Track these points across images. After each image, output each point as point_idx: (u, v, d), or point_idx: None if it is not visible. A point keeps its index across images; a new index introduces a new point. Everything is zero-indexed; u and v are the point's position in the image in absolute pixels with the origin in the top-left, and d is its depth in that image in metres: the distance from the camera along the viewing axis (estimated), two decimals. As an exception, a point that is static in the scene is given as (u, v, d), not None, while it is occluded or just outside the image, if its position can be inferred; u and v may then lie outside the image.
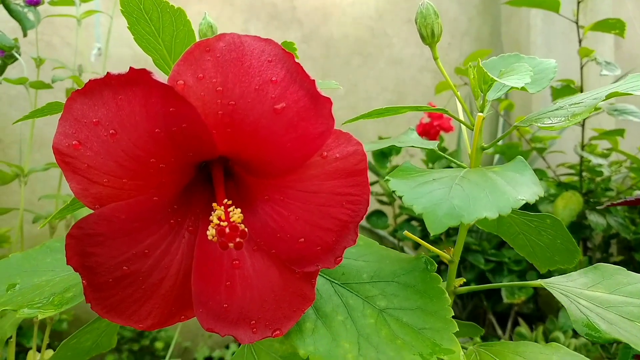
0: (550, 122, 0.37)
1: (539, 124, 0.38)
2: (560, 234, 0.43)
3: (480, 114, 0.40)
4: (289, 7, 1.61)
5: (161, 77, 0.24)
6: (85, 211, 0.26)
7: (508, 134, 0.44)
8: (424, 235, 1.22)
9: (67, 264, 0.25)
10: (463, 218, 0.28)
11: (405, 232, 0.40)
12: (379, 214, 1.34)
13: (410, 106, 0.40)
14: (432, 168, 1.33)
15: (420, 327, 0.29)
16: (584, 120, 1.12)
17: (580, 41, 1.13)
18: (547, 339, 0.93)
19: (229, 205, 0.26)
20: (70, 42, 1.31)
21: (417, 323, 0.29)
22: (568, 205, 0.97)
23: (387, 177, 0.32)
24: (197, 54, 0.24)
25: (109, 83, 0.23)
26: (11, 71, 0.81)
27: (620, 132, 1.15)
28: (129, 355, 1.21)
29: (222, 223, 0.25)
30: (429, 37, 0.41)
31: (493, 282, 1.15)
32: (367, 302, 0.31)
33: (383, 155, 1.31)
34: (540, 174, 1.23)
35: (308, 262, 0.28)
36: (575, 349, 0.86)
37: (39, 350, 0.61)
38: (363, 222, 1.11)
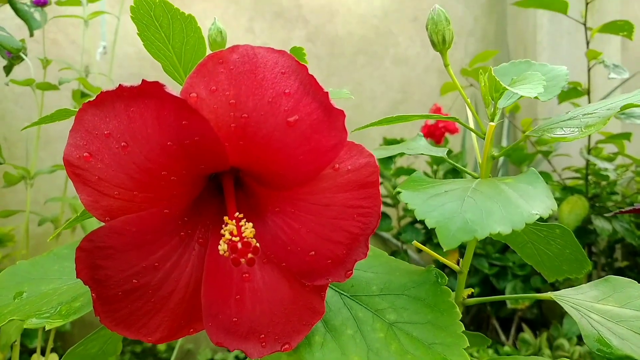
0: (563, 132, 0.37)
1: (550, 135, 0.37)
2: (569, 244, 0.43)
3: (492, 123, 0.40)
4: (294, 5, 1.60)
5: (173, 87, 0.24)
6: (94, 220, 0.26)
7: (520, 142, 0.43)
8: (428, 237, 1.21)
9: (77, 277, 0.25)
10: (476, 233, 0.27)
11: (415, 242, 0.39)
12: (382, 216, 1.33)
13: (421, 114, 0.40)
14: (437, 170, 1.32)
15: (430, 342, 0.29)
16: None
17: (587, 43, 1.12)
18: (552, 346, 0.93)
19: (240, 219, 0.26)
20: (76, 39, 1.30)
21: (427, 338, 0.29)
22: (574, 210, 0.96)
23: (398, 189, 0.32)
24: (211, 66, 0.23)
25: (120, 95, 0.23)
26: (17, 69, 0.81)
27: (626, 135, 1.15)
28: (131, 357, 1.21)
29: (234, 238, 0.25)
30: (440, 44, 0.41)
31: (497, 287, 1.15)
32: (376, 315, 0.30)
33: (388, 157, 1.31)
34: (545, 177, 1.22)
35: (318, 275, 0.27)
36: (580, 357, 0.85)
37: (42, 352, 0.61)
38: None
